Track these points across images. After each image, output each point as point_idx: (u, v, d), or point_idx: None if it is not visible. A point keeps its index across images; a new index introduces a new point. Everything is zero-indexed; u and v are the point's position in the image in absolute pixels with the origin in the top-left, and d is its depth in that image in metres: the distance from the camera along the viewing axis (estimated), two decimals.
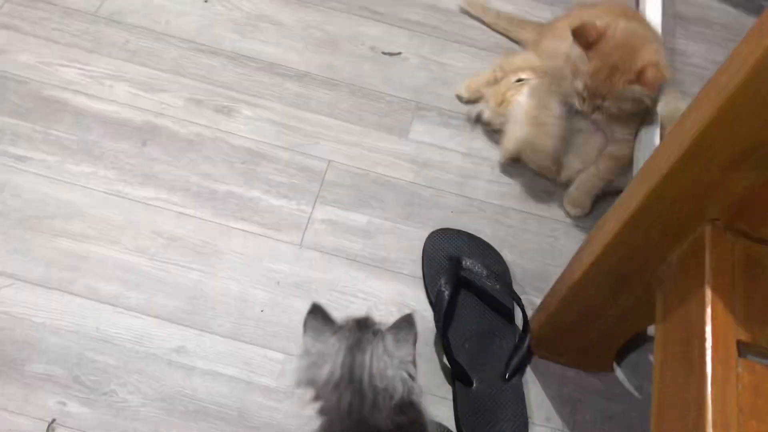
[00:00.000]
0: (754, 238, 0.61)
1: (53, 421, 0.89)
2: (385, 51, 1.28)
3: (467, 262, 1.01)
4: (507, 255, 1.08)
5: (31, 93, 1.15)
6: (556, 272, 0.93)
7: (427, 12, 1.34)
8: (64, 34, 1.22)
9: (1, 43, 1.20)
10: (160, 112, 1.16)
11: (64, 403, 0.90)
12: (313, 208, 1.09)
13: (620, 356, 0.97)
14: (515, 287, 1.04)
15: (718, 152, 0.57)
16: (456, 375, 0.95)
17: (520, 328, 0.98)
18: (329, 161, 1.14)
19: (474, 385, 0.94)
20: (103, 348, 0.95)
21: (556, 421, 0.95)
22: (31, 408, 0.90)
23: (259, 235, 1.06)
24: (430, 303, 1.02)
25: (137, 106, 1.16)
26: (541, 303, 0.96)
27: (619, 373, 0.98)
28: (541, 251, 1.10)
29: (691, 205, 0.62)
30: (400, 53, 1.28)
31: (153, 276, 1.01)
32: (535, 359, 1.00)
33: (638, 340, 0.95)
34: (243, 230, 1.06)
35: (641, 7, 1.25)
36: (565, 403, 0.97)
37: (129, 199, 1.07)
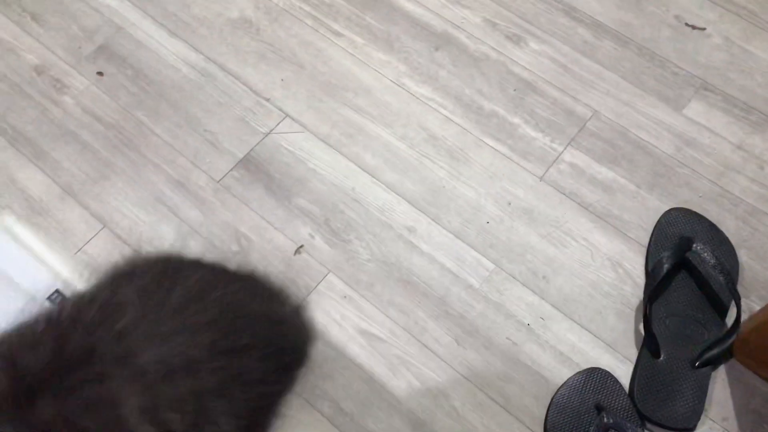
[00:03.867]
0: None
1: (301, 246, 1.09)
2: (690, 23, 1.25)
3: (698, 246, 1.00)
4: (742, 256, 1.05)
5: None
6: None
7: None
8: None
9: None
10: (459, 25, 1.27)
11: (312, 236, 1.10)
12: (565, 149, 1.15)
13: None
14: (739, 288, 1.01)
15: None
16: (648, 344, 0.97)
17: (729, 326, 0.97)
18: (595, 111, 1.18)
19: (661, 358, 0.96)
20: (353, 205, 1.12)
21: (733, 424, 0.94)
22: (289, 230, 1.11)
23: (507, 157, 1.15)
24: (646, 272, 1.04)
25: (441, 15, 1.29)
26: (759, 310, 0.93)
27: None
28: None
29: None
30: (704, 29, 1.25)
31: (409, 162, 1.15)
32: (734, 363, 0.98)
33: None
34: (494, 149, 1.16)
35: None
36: (748, 413, 0.95)
37: (409, 92, 1.22)
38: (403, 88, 1.22)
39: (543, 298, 1.04)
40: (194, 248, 1.10)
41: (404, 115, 1.20)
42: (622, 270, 1.05)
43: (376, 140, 1.18)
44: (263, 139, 1.18)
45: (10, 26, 1.31)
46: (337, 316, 1.04)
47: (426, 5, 1.30)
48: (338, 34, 1.28)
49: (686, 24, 1.25)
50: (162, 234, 1.11)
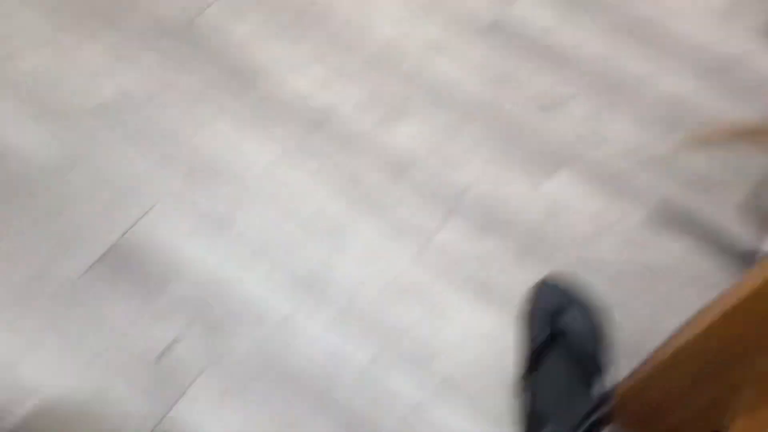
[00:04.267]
0: None
1: (164, 352, 1.03)
2: (544, 105, 1.33)
3: (569, 315, 1.02)
4: (615, 318, 1.08)
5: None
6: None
7: None
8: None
9: None
10: (338, 104, 1.29)
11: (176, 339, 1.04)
12: (443, 222, 1.16)
13: None
14: (614, 350, 1.04)
15: None
16: (528, 420, 0.97)
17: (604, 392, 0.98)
18: (466, 183, 1.21)
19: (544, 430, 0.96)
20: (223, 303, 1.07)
21: None
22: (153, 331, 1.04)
23: (383, 234, 1.15)
24: (523, 342, 1.05)
25: (314, 97, 1.29)
26: (632, 371, 0.96)
27: None
28: (653, 318, 1.09)
29: None
30: (564, 104, 1.32)
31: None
32: (615, 428, 0.99)
33: None
34: (372, 225, 1.15)
35: None
36: None
37: (284, 175, 1.20)
38: (279, 172, 1.20)
39: (422, 383, 1.02)
40: (45, 356, 1.00)
41: (280, 200, 1.18)
42: (497, 345, 1.06)
43: (250, 227, 1.14)
44: (129, 229, 1.12)
45: None
46: (213, 420, 0.97)
47: (307, 84, 1.30)
48: (208, 121, 1.25)
49: (540, 106, 1.33)
50: (6, 342, 1.01)
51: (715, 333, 0.69)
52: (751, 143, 1.25)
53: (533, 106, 1.32)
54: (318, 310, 1.07)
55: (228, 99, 1.28)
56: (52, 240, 1.10)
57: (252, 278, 1.09)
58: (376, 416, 0.98)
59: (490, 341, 1.06)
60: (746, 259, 1.16)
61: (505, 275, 1.12)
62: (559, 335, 1.04)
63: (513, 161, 1.24)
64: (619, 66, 1.38)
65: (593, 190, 1.22)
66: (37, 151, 1.19)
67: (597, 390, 1.01)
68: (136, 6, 1.39)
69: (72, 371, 0.99)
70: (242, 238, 1.13)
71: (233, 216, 1.15)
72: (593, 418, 0.96)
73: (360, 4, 1.43)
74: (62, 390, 0.98)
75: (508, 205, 1.19)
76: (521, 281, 1.11)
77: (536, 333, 1.00)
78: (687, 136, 1.29)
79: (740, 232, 1.19)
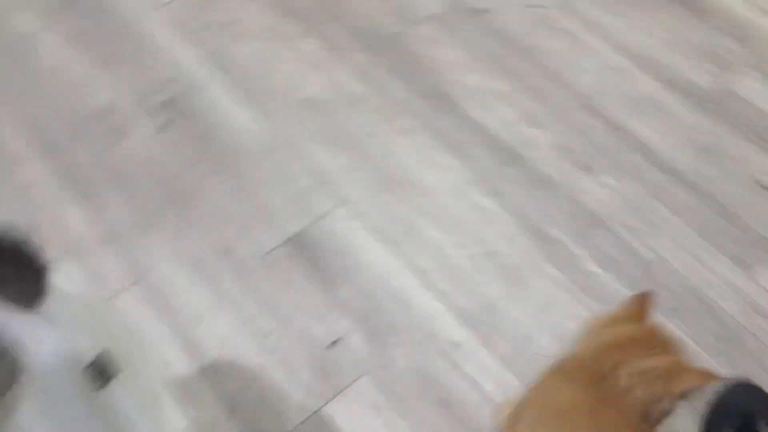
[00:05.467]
0: None
1: (338, 339, 1.03)
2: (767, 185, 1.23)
3: (762, 423, 0.92)
4: None
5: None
6: None
7: None
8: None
9: None
10: (530, 144, 1.25)
11: (350, 333, 1.04)
12: (628, 290, 1.09)
13: None
14: None
15: None
16: None
17: None
18: (659, 256, 1.13)
19: None
20: (397, 307, 1.06)
21: None
22: (327, 320, 1.04)
23: (566, 288, 1.09)
24: None
25: (512, 131, 1.27)
26: None
27: None
28: None
29: None
30: None
31: (464, 272, 1.10)
32: None
33: None
34: (552, 276, 1.10)
35: None
36: None
37: (472, 201, 1.18)
38: (466, 196, 1.19)
39: None
40: (223, 321, 1.03)
41: (463, 223, 1.16)
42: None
43: (431, 243, 1.13)
44: (318, 220, 1.14)
45: (83, 66, 1.32)
46: (363, 425, 0.96)
47: (499, 120, 1.28)
48: (405, 132, 1.26)
49: (763, 187, 1.23)
50: (192, 301, 1.05)
51: None
52: None
53: (751, 182, 1.22)
54: (487, 345, 1.03)
55: (429, 115, 1.28)
56: (247, 214, 1.14)
57: (427, 296, 1.07)
58: None
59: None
60: None
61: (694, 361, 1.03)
62: None
63: (718, 240, 1.15)
64: None
65: None
66: (246, 131, 1.24)
67: None
68: (355, 8, 1.43)
69: (241, 344, 1.01)
70: (424, 253, 1.11)
71: (418, 229, 1.14)
72: None
73: (568, 49, 1.40)
74: (228, 359, 1.00)
75: (707, 288, 1.10)
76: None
77: None
78: None
79: None
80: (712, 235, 1.16)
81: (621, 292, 1.09)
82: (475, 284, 1.09)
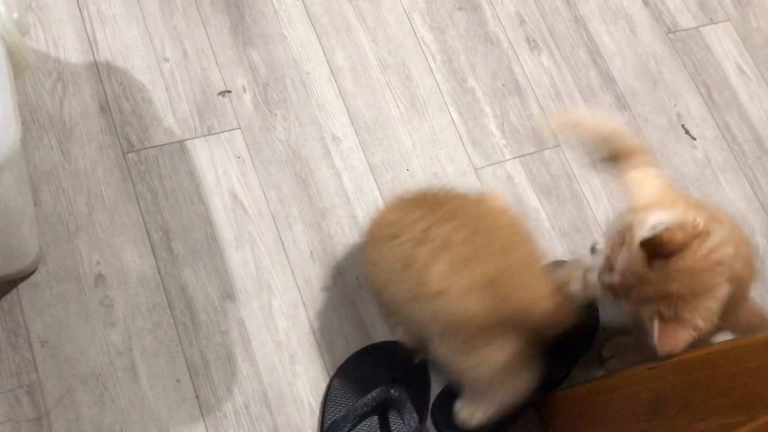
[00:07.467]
0: None
1: (228, 91, 1.05)
2: (686, 127, 1.26)
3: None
4: None
5: None
6: None
7: None
8: None
9: None
10: (491, 1, 1.25)
11: (244, 90, 1.06)
12: (512, 159, 1.13)
13: None
14: None
15: None
16: None
17: None
18: (559, 145, 1.17)
19: None
20: (299, 87, 1.08)
21: None
22: (228, 72, 1.06)
23: (459, 134, 1.12)
24: None
25: None
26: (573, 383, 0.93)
27: None
28: None
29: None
30: (695, 139, 1.25)
31: (373, 83, 1.12)
32: None
33: None
34: (451, 119, 1.13)
35: None
36: None
37: (413, 28, 1.18)
38: (409, 21, 1.19)
39: None
40: (132, 32, 1.04)
41: (394, 43, 1.16)
42: None
43: (357, 48, 1.14)
44: None
45: None
46: (220, 169, 1.00)
47: None
48: None
49: (682, 126, 1.26)
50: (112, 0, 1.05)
51: (665, 378, 0.66)
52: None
53: (672, 119, 1.25)
54: (365, 149, 1.07)
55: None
56: None
57: (330, 89, 1.09)
58: (348, 263, 0.99)
59: None
60: None
61: (540, 236, 1.09)
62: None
63: None
64: None
65: None
66: None
67: None
68: None
69: (138, 58, 1.03)
70: (347, 53, 1.12)
71: (352, 30, 1.14)
72: None
73: None
74: (119, 66, 1.02)
75: (584, 183, 1.15)
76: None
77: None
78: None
79: None
80: None
81: (506, 160, 1.13)
82: (379, 98, 1.11)
